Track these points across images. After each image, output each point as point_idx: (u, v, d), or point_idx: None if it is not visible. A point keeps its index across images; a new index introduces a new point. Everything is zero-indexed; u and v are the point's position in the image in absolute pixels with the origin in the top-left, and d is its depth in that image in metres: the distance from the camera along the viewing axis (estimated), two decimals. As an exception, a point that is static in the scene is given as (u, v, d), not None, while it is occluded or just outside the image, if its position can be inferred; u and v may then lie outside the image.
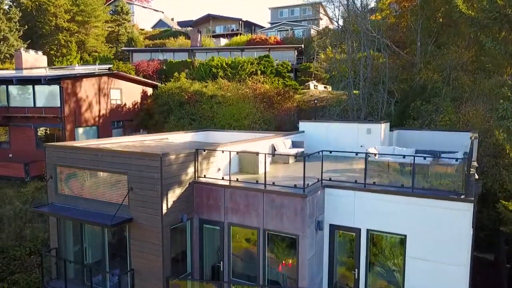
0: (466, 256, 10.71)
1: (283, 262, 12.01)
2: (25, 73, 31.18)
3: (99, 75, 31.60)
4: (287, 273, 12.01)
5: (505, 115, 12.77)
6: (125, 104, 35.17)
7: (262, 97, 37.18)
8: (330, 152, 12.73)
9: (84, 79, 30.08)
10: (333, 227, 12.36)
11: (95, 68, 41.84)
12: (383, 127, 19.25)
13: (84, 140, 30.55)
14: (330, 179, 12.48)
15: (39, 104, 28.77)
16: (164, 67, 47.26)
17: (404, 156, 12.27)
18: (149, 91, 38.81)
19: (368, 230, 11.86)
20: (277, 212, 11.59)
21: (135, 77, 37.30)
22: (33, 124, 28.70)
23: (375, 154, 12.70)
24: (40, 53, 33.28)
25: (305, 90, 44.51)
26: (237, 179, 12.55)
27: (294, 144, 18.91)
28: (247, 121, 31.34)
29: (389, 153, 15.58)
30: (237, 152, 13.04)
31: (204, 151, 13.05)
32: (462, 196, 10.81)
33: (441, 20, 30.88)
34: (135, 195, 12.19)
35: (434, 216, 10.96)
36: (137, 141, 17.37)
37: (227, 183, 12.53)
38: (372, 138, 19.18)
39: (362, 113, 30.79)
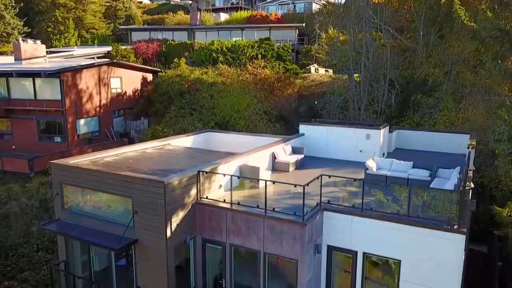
0: (457, 283, 11.23)
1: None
2: (24, 63, 31.00)
3: (99, 65, 31.42)
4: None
5: (502, 138, 12.99)
6: (125, 92, 35.15)
7: (262, 83, 37.11)
8: (329, 176, 13.03)
9: (84, 70, 29.96)
10: (330, 248, 12.86)
11: (94, 51, 41.51)
12: (382, 132, 19.45)
13: (85, 131, 30.90)
14: (328, 202, 12.87)
15: (40, 96, 28.83)
16: (163, 49, 46.75)
17: (400, 186, 12.54)
18: (149, 77, 38.66)
19: (364, 253, 12.37)
20: (277, 237, 12.05)
21: (135, 64, 37.05)
22: (35, 116, 28.87)
23: (372, 182, 12.98)
24: (38, 42, 32.92)
25: (306, 74, 44.26)
26: (238, 202, 12.92)
27: (294, 150, 19.18)
28: (248, 112, 31.42)
29: (386, 171, 15.93)
30: (239, 178, 13.30)
31: (206, 173, 13.37)
32: (455, 227, 11.21)
33: (444, 9, 30.38)
34: (139, 218, 12.62)
35: (427, 243, 11.42)
36: (140, 150, 17.65)
37: (228, 206, 12.92)
38: (371, 143, 19.43)
39: (363, 104, 30.84)
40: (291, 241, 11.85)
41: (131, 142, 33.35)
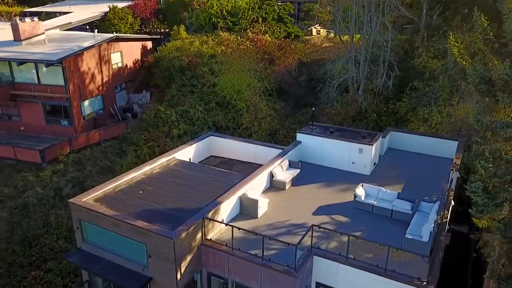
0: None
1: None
2: (24, 44, 30.81)
3: (100, 44, 31.32)
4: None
5: (477, 191, 14.34)
6: (126, 65, 35.33)
7: (263, 53, 37.07)
8: (319, 227, 14.64)
9: (85, 52, 30.02)
10: (319, 284, 14.91)
11: (91, 14, 40.62)
12: (374, 147, 20.61)
13: (90, 111, 31.79)
14: (318, 248, 14.64)
15: (44, 81, 29.27)
16: (162, 5, 45.55)
17: (380, 245, 14.11)
18: (149, 45, 38.47)
19: (347, 292, 14.45)
20: (272, 283, 13.99)
21: (135, 36, 36.57)
22: (40, 100, 29.58)
23: (356, 237, 14.52)
24: (36, 18, 32.30)
25: (307, 37, 43.77)
26: (238, 248, 14.67)
27: (291, 164, 20.54)
28: (248, 93, 31.95)
29: (373, 199, 17.50)
30: (239, 229, 14.84)
31: (210, 220, 15.00)
32: (424, 283, 13.10)
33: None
34: (153, 260, 14.49)
35: (400, 293, 13.42)
36: (148, 171, 19.04)
37: (230, 250, 14.69)
38: (363, 156, 20.70)
39: (361, 84, 31.38)
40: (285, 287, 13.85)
41: (134, 117, 34.43)
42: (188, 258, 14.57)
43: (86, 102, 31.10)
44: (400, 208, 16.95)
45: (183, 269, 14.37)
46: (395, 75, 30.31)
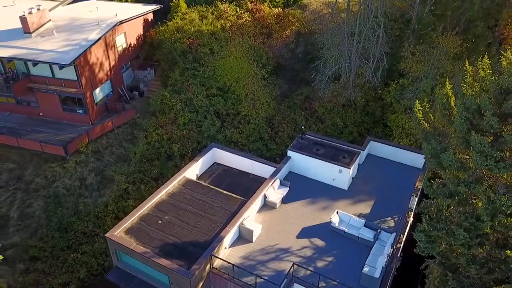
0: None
1: None
2: (34, 36, 32.14)
3: (105, 34, 32.79)
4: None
5: (420, 239, 18.68)
6: (130, 44, 36.92)
7: (261, 26, 38.36)
8: (299, 266, 19.29)
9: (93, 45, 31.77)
10: (297, 301, 20.12)
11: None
12: (351, 169, 24.40)
13: (101, 97, 34.52)
14: (298, 277, 19.51)
15: (58, 75, 31.55)
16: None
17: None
18: (150, 16, 39.38)
19: (318, 310, 19.68)
20: (263, 304, 19.17)
21: (137, 13, 37.23)
22: (56, 92, 32.19)
23: (325, 277, 19.12)
24: (41, 6, 32.98)
25: (307, 1, 44.01)
26: (238, 278, 19.50)
27: (282, 183, 24.58)
28: (247, 81, 34.26)
29: (345, 225, 21.91)
30: (238, 267, 19.41)
31: (216, 257, 19.63)
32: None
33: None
34: (174, 286, 19.45)
35: (355, 315, 18.62)
36: (164, 195, 23.13)
37: (231, 278, 19.55)
38: (342, 175, 24.65)
39: (352, 73, 33.73)
40: (272, 309, 19.02)
41: (141, 95, 37.18)
42: (201, 284, 19.52)
43: (97, 90, 33.67)
44: (364, 236, 21.48)
45: (197, 293, 19.43)
46: (384, 67, 32.49)
